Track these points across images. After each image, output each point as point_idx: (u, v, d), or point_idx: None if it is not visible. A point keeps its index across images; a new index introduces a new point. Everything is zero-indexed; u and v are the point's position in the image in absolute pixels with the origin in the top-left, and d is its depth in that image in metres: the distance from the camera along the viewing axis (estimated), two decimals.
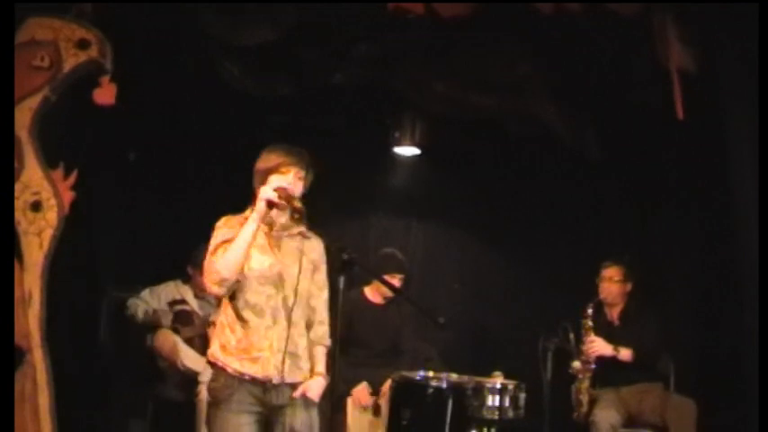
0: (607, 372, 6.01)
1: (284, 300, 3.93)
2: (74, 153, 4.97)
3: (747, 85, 5.01)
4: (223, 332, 3.95)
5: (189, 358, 5.97)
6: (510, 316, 7.33)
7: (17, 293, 4.68)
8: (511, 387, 5.61)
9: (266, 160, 4.04)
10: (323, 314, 4.12)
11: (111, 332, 6.15)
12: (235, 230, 3.91)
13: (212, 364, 3.95)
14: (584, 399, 6.00)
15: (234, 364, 3.87)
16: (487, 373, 5.84)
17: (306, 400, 3.95)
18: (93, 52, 4.89)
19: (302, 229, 4.04)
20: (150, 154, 6.58)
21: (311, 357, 4.07)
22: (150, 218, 6.68)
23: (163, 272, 6.34)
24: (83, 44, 4.88)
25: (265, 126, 6.80)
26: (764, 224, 4.82)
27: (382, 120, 7.22)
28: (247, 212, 3.99)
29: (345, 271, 3.80)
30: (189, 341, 6.07)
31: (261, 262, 3.94)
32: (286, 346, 3.90)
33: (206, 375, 5.79)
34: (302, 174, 3.99)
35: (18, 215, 4.74)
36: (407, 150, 7.44)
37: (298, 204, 3.87)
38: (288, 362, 3.90)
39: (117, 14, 5.05)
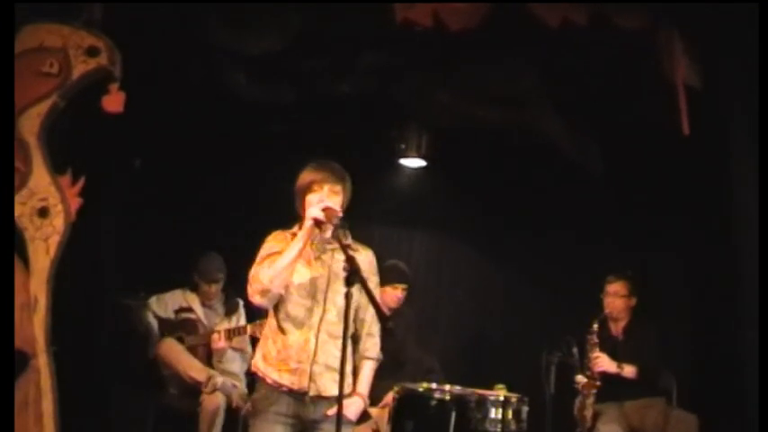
0: (610, 387, 6.00)
1: (325, 313, 3.95)
2: (82, 160, 4.97)
3: (752, 100, 5.02)
4: (266, 343, 4.02)
5: (192, 368, 5.97)
6: (513, 329, 7.33)
7: (23, 299, 4.67)
8: (514, 400, 5.60)
9: (301, 179, 4.07)
10: (372, 327, 4.13)
11: (116, 339, 6.15)
12: (282, 244, 3.97)
13: (254, 374, 4.02)
14: (588, 414, 5.98)
15: (273, 375, 3.93)
16: (490, 385, 5.84)
17: (342, 417, 3.89)
18: (102, 60, 4.89)
19: (349, 242, 4.03)
20: (158, 161, 6.60)
21: (356, 372, 4.11)
22: (157, 225, 6.70)
23: (169, 279, 6.34)
24: (92, 51, 4.88)
25: (271, 135, 6.82)
26: (766, 239, 4.83)
27: (388, 131, 7.24)
28: (295, 229, 4.05)
29: (348, 284, 3.78)
30: (192, 350, 6.08)
31: (301, 275, 3.97)
32: (325, 360, 3.92)
33: (209, 386, 5.83)
34: (337, 188, 4.00)
35: (25, 221, 4.73)
36: (413, 162, 7.46)
37: (335, 222, 3.87)
38: (326, 375, 3.91)
39: (126, 22, 5.07)
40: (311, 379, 3.90)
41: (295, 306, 3.95)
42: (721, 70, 5.20)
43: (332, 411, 3.91)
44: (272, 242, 4.04)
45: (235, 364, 6.18)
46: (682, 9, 5.10)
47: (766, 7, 4.75)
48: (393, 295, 6.22)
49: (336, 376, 3.81)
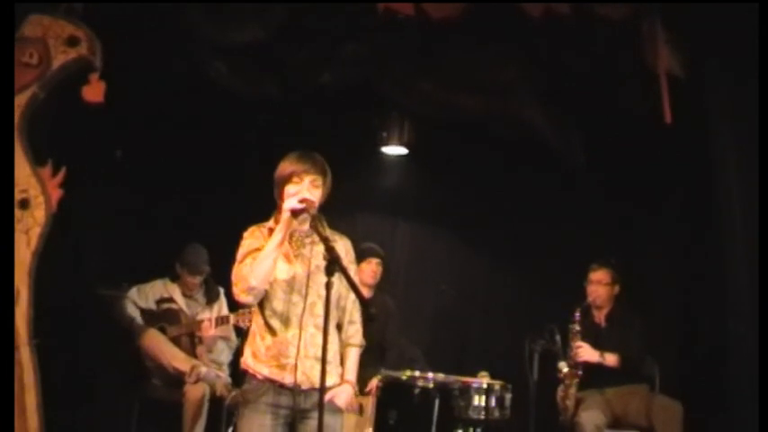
0: (592, 374, 6.02)
1: (311, 306, 3.94)
2: (62, 150, 4.94)
3: (735, 89, 5.05)
4: (254, 340, 4.00)
5: (175, 358, 5.96)
6: (496, 316, 7.35)
7: None
8: (497, 387, 5.64)
9: (281, 169, 4.00)
10: (353, 314, 4.14)
11: (98, 331, 6.12)
12: (260, 241, 3.93)
13: (244, 371, 4.00)
14: (571, 404, 6.00)
15: (263, 371, 3.91)
16: (474, 373, 5.86)
17: (332, 405, 3.94)
18: (82, 49, 4.85)
19: (327, 233, 4.01)
20: (139, 152, 6.56)
21: (343, 361, 4.11)
22: (138, 216, 6.67)
23: (150, 270, 6.32)
24: (72, 41, 4.84)
25: (253, 125, 6.79)
26: (750, 227, 4.86)
27: (370, 120, 7.23)
28: (270, 222, 4.02)
29: (328, 272, 3.74)
30: (175, 340, 6.06)
31: (285, 270, 3.95)
32: (315, 353, 3.90)
33: (193, 376, 5.83)
34: (318, 181, 3.95)
35: None
36: (394, 150, 7.46)
37: (312, 213, 3.86)
38: (317, 368, 3.86)
39: (106, 12, 5.03)
40: (302, 373, 3.89)
41: (280, 302, 3.94)
42: (704, 59, 5.22)
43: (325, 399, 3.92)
44: (250, 239, 3.99)
45: (220, 354, 6.19)
46: None
47: (766, 7, 4.76)
48: (368, 270, 6.24)
49: (329, 368, 3.84)
